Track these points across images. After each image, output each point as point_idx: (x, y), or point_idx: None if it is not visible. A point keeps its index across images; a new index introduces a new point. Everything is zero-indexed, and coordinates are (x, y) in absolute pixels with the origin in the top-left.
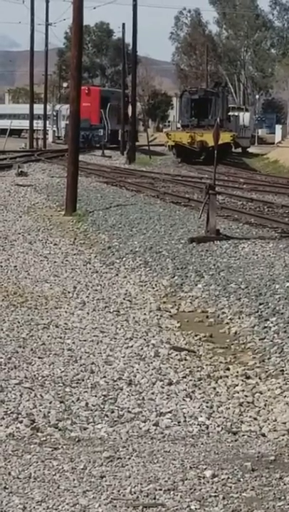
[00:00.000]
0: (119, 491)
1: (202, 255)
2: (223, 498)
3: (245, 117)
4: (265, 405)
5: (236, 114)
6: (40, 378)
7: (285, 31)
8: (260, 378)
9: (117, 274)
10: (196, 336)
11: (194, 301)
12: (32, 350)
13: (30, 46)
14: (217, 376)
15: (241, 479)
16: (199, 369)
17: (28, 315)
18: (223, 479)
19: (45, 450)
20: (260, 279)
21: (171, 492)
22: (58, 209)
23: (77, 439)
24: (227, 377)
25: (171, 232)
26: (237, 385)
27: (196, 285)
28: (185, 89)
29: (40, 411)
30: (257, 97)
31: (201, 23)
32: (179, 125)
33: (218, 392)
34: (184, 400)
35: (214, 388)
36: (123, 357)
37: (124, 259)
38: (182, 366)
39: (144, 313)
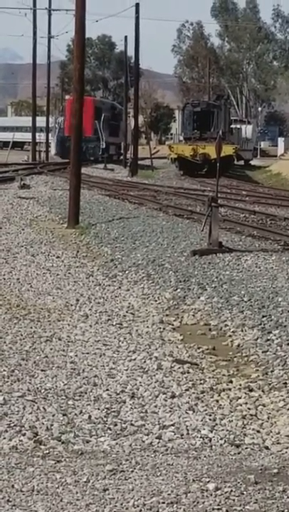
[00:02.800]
0: (122, 504)
1: (205, 268)
2: (227, 511)
3: (247, 130)
4: (268, 418)
5: (239, 126)
6: (43, 391)
7: (288, 44)
8: (263, 391)
9: (119, 287)
10: (198, 348)
11: (197, 313)
12: (35, 362)
13: (33, 59)
14: (220, 389)
15: (244, 492)
16: (202, 382)
17: (31, 328)
18: (226, 492)
19: (48, 463)
20: (263, 292)
21: (174, 505)
22: (60, 222)
23: (80, 452)
24: (230, 389)
25: (173, 244)
26: (240, 398)
27: (199, 298)
28: (187, 102)
29: (43, 424)
30: (259, 109)
31: (204, 36)
32: (181, 138)
33: (221, 404)
34: (186, 412)
35: (217, 401)
36: (126, 370)
37: (126, 272)
38: (185, 379)
39: (147, 326)
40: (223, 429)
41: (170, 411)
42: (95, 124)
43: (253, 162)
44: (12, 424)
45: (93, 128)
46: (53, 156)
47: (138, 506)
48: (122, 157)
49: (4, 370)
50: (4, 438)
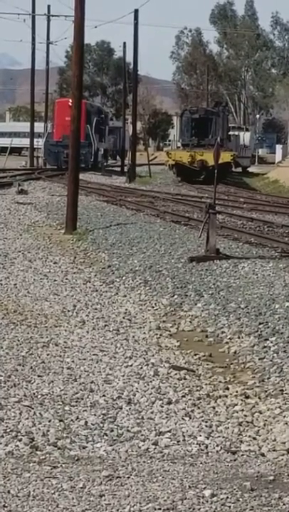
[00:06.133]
0: (118, 510)
1: (202, 274)
2: None
3: (245, 137)
4: (264, 425)
5: (237, 133)
6: (39, 396)
7: (286, 51)
8: (259, 398)
9: (116, 293)
10: (195, 355)
11: (194, 320)
12: (31, 368)
13: (31, 64)
14: (216, 395)
15: (240, 499)
16: (198, 388)
17: (28, 333)
18: (222, 499)
19: (44, 468)
20: (260, 299)
21: (171, 511)
22: (58, 227)
23: (76, 458)
24: (226, 396)
25: (171, 251)
26: (236, 405)
27: (196, 304)
28: (185, 109)
29: (40, 429)
30: (257, 116)
31: (202, 43)
32: (179, 144)
33: (217, 411)
34: (183, 419)
35: (213, 408)
36: (122, 376)
37: (124, 278)
38: (181, 385)
39: (144, 332)
40: (219, 436)
41: (166, 417)
42: (87, 128)
43: (250, 169)
44: (8, 430)
45: (85, 133)
46: None
47: None
48: (106, 163)
49: (1, 376)
50: (0, 443)
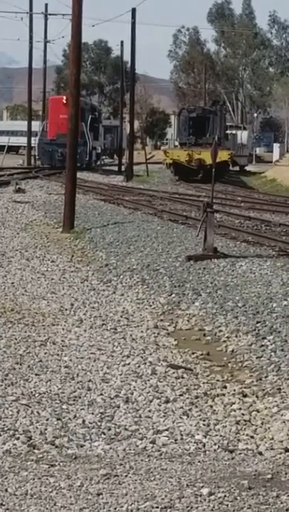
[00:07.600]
0: (116, 509)
1: (199, 273)
2: None
3: (243, 136)
4: (262, 423)
5: (234, 132)
6: (37, 395)
7: (284, 50)
8: (257, 396)
9: (114, 292)
10: (193, 353)
11: (191, 319)
12: (29, 367)
13: (29, 63)
14: (214, 394)
15: (238, 497)
16: (196, 387)
17: (25, 332)
18: (219, 497)
19: (41, 467)
20: (258, 298)
21: (168, 510)
22: (55, 226)
23: (74, 457)
24: (224, 395)
25: (168, 250)
26: (234, 403)
27: (194, 303)
28: (183, 108)
29: (37, 428)
30: (255, 115)
31: (200, 42)
32: (176, 143)
33: (215, 410)
34: (180, 417)
35: (211, 406)
36: (120, 374)
37: (121, 276)
38: (179, 384)
39: (142, 331)
40: (217, 435)
41: (164, 416)
42: (82, 126)
43: (248, 168)
44: (6, 428)
45: (80, 131)
46: None
47: (132, 511)
48: (101, 162)
49: None
50: None
